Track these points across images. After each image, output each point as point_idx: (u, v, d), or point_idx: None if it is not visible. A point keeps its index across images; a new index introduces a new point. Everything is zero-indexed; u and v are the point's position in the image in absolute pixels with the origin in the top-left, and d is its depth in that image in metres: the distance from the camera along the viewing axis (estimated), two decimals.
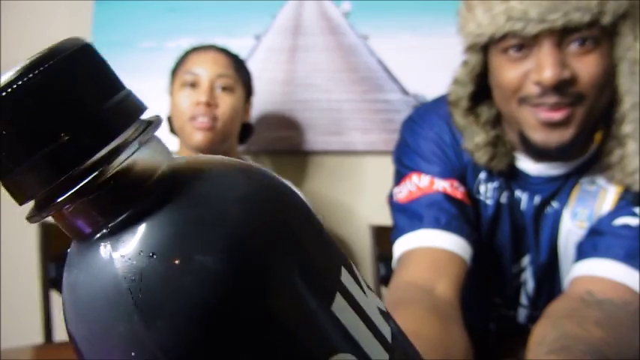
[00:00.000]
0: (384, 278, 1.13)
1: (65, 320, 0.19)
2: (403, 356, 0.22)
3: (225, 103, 1.12)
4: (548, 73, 0.65)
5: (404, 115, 1.19)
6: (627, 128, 0.69)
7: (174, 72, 1.17)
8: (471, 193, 0.81)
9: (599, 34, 0.66)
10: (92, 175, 0.17)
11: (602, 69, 0.67)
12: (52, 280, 1.08)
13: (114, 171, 0.18)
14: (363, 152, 1.39)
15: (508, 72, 0.70)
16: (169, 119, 1.19)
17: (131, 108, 0.19)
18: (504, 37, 0.68)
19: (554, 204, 0.79)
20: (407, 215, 0.77)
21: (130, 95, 0.19)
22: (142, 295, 0.17)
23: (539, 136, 0.70)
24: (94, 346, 0.18)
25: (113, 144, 0.18)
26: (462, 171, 0.80)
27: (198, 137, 1.09)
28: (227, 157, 0.21)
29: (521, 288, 0.86)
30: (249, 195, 0.19)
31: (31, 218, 0.19)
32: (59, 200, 0.17)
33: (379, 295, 1.11)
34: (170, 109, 1.17)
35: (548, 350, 0.56)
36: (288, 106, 1.41)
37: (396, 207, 0.81)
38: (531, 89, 0.68)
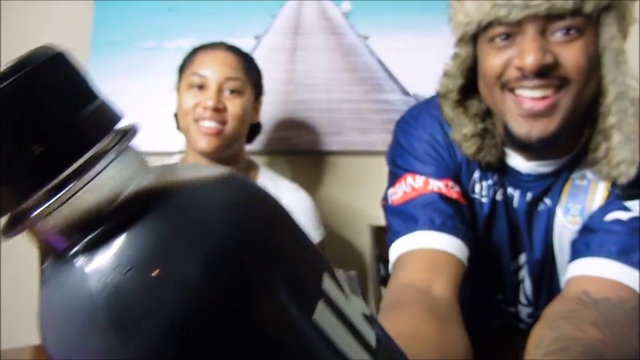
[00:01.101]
0: (384, 278, 1.13)
1: (42, 337, 0.19)
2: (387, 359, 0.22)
3: (234, 106, 1.08)
4: (531, 58, 0.65)
5: None
6: (612, 119, 0.68)
7: (182, 70, 1.13)
8: (466, 193, 0.81)
9: (583, 24, 0.66)
10: (66, 189, 0.17)
11: (586, 56, 0.67)
12: None
13: (88, 183, 0.17)
14: (362, 152, 1.39)
15: (492, 59, 0.70)
16: (176, 117, 1.17)
17: (106, 117, 0.18)
18: (491, 25, 0.68)
19: (547, 201, 0.79)
20: (402, 218, 0.77)
21: (104, 104, 0.19)
22: (119, 311, 0.16)
23: (521, 128, 0.69)
24: None
25: (88, 155, 0.17)
26: (457, 171, 0.80)
27: (204, 143, 1.07)
28: (205, 166, 0.21)
29: (519, 285, 0.86)
30: (228, 205, 0.19)
31: (5, 235, 0.18)
32: (32, 216, 0.17)
33: (379, 295, 1.11)
34: (177, 107, 1.14)
35: (546, 352, 0.56)
36: (288, 106, 1.41)
37: (390, 210, 0.81)
38: (513, 73, 0.68)
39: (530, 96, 0.67)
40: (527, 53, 0.65)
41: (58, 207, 0.17)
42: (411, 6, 1.39)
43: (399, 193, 0.80)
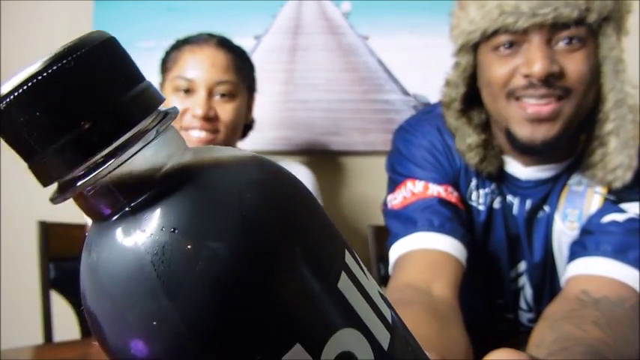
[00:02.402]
0: (384, 278, 1.13)
1: (85, 300, 0.20)
2: (403, 338, 0.23)
3: (226, 113, 0.99)
4: (539, 66, 0.66)
5: (404, 115, 1.19)
6: (610, 126, 0.70)
7: (165, 69, 1.03)
8: (464, 200, 0.82)
9: (586, 34, 0.68)
10: (114, 159, 0.18)
11: (589, 67, 0.69)
12: (52, 280, 1.08)
13: (134, 156, 0.19)
14: (362, 152, 1.39)
15: (498, 69, 0.71)
16: None
17: (150, 99, 0.20)
18: (495, 33, 0.69)
19: (546, 208, 0.80)
20: (400, 220, 0.78)
21: (149, 87, 0.20)
22: (164, 268, 0.18)
23: (525, 131, 0.71)
24: (117, 321, 0.19)
25: (133, 131, 0.19)
26: (455, 178, 0.81)
27: None
28: (236, 148, 0.23)
29: (520, 292, 0.86)
30: (260, 179, 0.21)
31: (54, 199, 0.20)
32: (82, 182, 0.19)
33: None
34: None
35: (547, 352, 0.56)
36: (287, 106, 1.41)
37: (389, 214, 0.82)
38: (519, 81, 0.69)
39: (536, 103, 0.69)
40: (535, 61, 0.67)
41: (104, 177, 0.19)
42: (411, 6, 1.39)
43: (398, 198, 0.81)
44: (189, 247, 0.18)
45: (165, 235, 0.18)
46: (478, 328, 0.71)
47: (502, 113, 0.73)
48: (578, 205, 0.77)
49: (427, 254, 0.73)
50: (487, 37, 0.71)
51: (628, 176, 0.69)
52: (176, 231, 0.18)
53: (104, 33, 0.20)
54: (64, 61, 0.18)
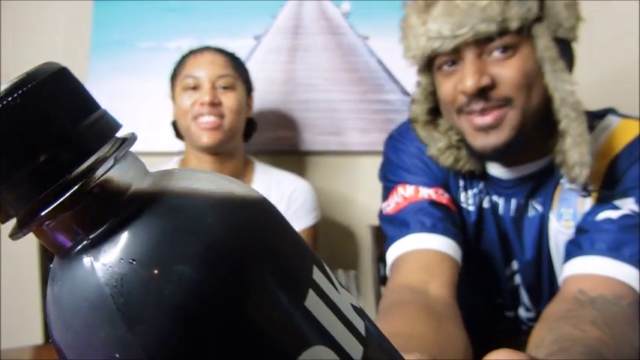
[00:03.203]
0: (384, 278, 1.13)
1: (51, 333, 0.20)
2: (378, 349, 0.23)
3: (229, 100, 1.13)
4: (468, 82, 0.70)
5: (404, 115, 1.19)
6: (562, 124, 0.71)
7: (174, 77, 1.18)
8: (455, 201, 0.83)
9: (517, 40, 0.70)
10: (71, 191, 0.18)
11: (523, 72, 0.71)
12: None
13: (91, 186, 0.19)
14: (362, 152, 1.39)
15: (444, 86, 0.75)
16: (174, 124, 1.20)
17: (106, 127, 0.20)
18: (436, 56, 0.74)
19: (537, 207, 0.80)
20: (395, 224, 0.80)
21: (104, 115, 0.20)
22: (123, 300, 0.18)
23: (476, 141, 0.74)
24: (81, 353, 0.19)
25: (90, 160, 0.19)
26: (445, 180, 0.83)
27: (205, 138, 1.11)
28: (199, 170, 0.23)
29: (517, 291, 0.87)
30: (222, 204, 0.21)
31: (13, 235, 0.19)
32: (40, 216, 0.18)
33: (378, 295, 1.11)
34: (174, 113, 1.18)
35: (547, 353, 0.56)
36: (287, 106, 1.41)
37: (384, 219, 0.84)
38: (460, 99, 0.73)
39: (478, 115, 0.72)
40: (465, 78, 0.71)
41: (62, 209, 0.18)
42: None
43: (391, 204, 0.83)
44: (148, 278, 0.18)
45: (124, 267, 0.18)
46: (479, 327, 0.72)
47: (457, 126, 0.77)
48: (572, 203, 0.78)
49: (422, 254, 0.74)
50: (432, 58, 0.75)
51: (585, 173, 0.70)
52: (134, 262, 0.18)
53: (54, 65, 0.20)
54: (14, 96, 0.18)
